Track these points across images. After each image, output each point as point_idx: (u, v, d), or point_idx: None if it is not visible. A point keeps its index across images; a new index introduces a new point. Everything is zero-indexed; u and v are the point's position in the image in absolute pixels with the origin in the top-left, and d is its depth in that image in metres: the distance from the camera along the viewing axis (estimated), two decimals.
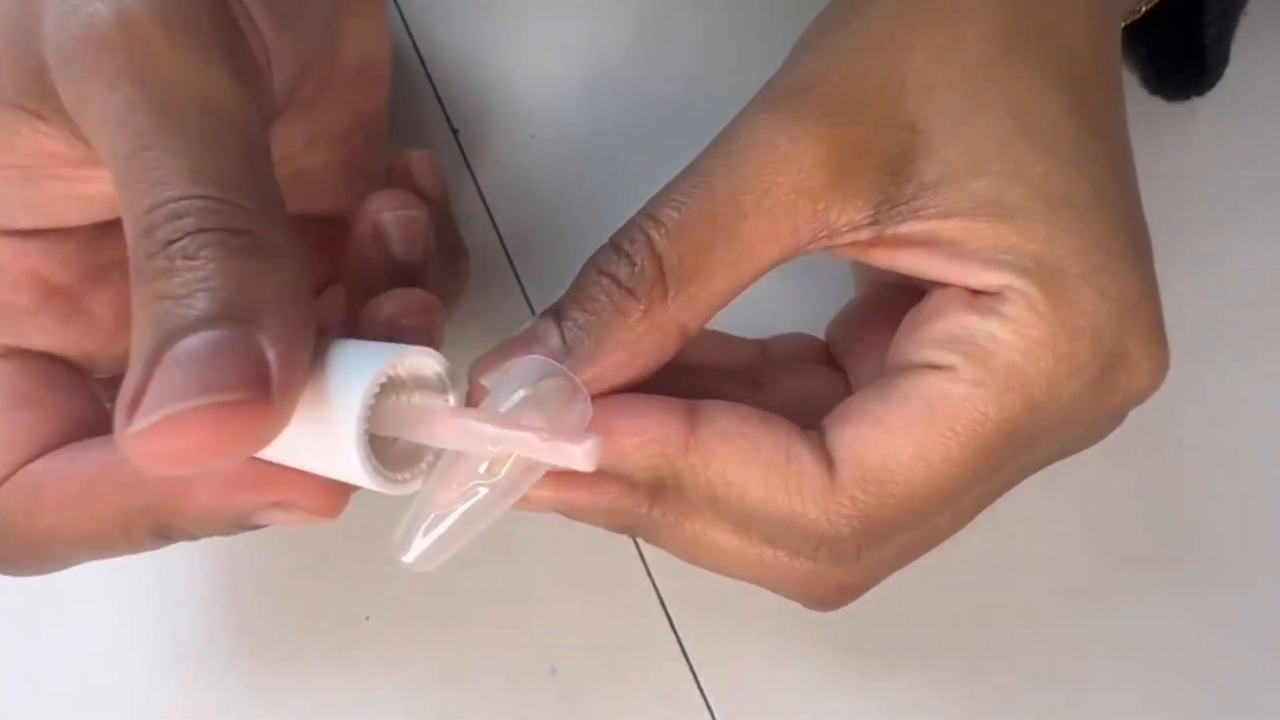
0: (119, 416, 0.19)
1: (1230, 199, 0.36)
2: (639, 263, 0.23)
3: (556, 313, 0.24)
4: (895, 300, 0.28)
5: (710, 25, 0.37)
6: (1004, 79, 0.24)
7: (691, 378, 0.26)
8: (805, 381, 0.28)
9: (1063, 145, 0.24)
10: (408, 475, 0.22)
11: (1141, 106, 0.37)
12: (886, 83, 0.24)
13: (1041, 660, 0.32)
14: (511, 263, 0.34)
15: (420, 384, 0.22)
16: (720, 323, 0.32)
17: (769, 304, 0.34)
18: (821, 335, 0.30)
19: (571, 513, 0.26)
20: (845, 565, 0.24)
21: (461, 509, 0.22)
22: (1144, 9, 0.33)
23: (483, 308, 0.34)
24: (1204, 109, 0.36)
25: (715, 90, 0.36)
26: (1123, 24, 0.34)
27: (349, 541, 0.31)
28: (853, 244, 0.24)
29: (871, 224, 0.24)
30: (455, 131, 0.35)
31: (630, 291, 0.23)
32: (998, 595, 0.27)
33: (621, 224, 0.25)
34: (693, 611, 0.32)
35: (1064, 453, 0.26)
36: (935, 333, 0.24)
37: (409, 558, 0.21)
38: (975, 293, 0.23)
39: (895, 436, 0.23)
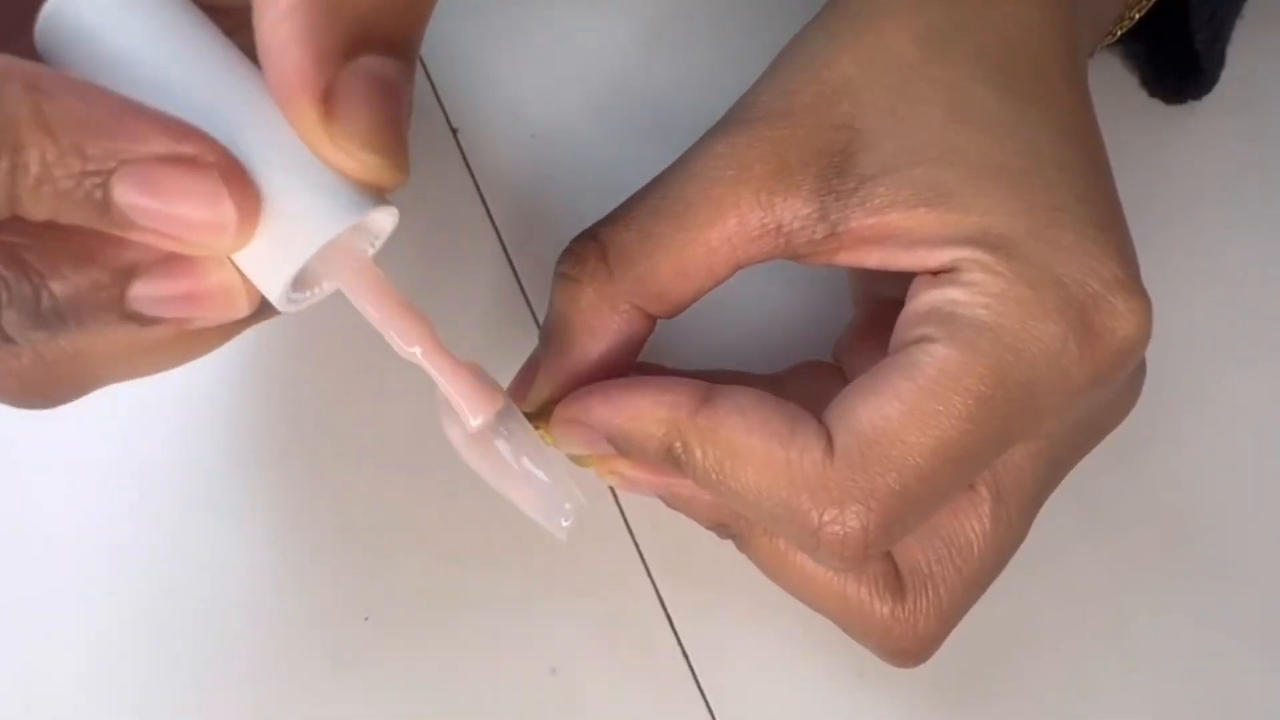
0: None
1: (1230, 199, 0.36)
2: (580, 252, 0.26)
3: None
4: (893, 317, 0.28)
5: (710, 26, 0.37)
6: (936, 74, 0.25)
7: None
8: (819, 386, 0.28)
9: (996, 123, 0.25)
10: (298, 297, 0.21)
11: (1141, 107, 0.37)
12: (818, 94, 0.25)
13: (1042, 660, 0.32)
14: (511, 263, 0.34)
15: (358, 227, 0.21)
16: (725, 333, 0.33)
17: (774, 311, 0.34)
18: (824, 343, 0.31)
19: (674, 501, 0.27)
20: (859, 547, 0.23)
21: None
22: (1135, 15, 0.33)
23: (482, 308, 0.34)
24: (1204, 109, 0.36)
25: (715, 90, 0.35)
26: (1117, 30, 0.34)
27: (348, 542, 0.31)
28: (809, 243, 0.25)
29: (821, 219, 0.25)
30: (455, 131, 0.35)
31: (575, 279, 0.26)
32: (998, 595, 0.27)
33: None
34: (693, 612, 0.32)
35: (1094, 422, 0.26)
36: (907, 316, 0.25)
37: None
38: (936, 273, 0.24)
39: (883, 399, 0.23)
